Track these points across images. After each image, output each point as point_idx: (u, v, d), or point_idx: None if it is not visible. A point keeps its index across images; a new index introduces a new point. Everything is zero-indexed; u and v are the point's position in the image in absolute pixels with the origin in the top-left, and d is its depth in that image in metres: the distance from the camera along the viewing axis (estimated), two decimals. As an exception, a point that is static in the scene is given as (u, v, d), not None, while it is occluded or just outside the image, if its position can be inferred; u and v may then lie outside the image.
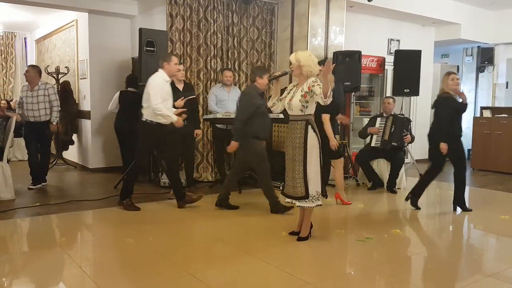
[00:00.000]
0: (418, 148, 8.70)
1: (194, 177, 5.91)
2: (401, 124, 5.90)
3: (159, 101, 4.51)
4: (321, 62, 4.58)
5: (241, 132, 4.56)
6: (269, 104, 3.86)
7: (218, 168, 6.34)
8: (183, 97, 5.16)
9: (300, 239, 3.75)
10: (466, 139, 9.44)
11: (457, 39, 8.69)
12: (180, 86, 5.29)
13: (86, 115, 7.25)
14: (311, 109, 3.64)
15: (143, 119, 4.71)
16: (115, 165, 7.09)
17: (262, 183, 4.74)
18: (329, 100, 3.50)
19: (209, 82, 6.29)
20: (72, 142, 7.57)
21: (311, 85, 3.55)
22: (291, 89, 3.76)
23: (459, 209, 5.01)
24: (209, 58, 6.28)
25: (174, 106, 5.16)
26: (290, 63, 3.72)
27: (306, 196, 3.64)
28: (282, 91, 3.92)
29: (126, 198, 4.78)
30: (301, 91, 3.60)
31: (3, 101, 8.89)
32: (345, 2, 6.65)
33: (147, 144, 4.80)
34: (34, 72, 5.74)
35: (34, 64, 6.07)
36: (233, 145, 4.65)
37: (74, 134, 7.56)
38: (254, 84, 4.67)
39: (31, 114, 5.68)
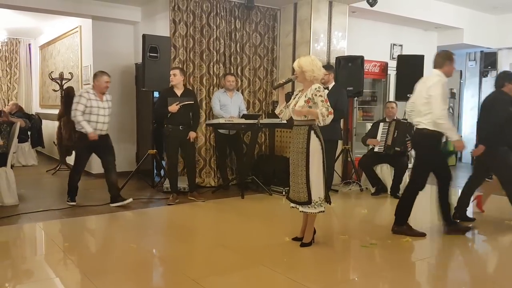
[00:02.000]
0: (422, 153, 8.67)
1: (196, 183, 5.91)
2: (404, 129, 5.88)
3: (444, 107, 3.94)
4: (325, 67, 4.59)
5: (495, 138, 4.34)
6: (277, 111, 3.88)
7: (221, 173, 6.34)
8: (178, 102, 5.15)
9: (303, 245, 3.74)
10: (470, 144, 9.45)
11: (460, 44, 8.68)
12: (179, 92, 5.28)
13: (90, 120, 7.26)
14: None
15: (420, 127, 4.04)
16: (118, 170, 7.06)
17: (509, 192, 4.49)
18: (328, 120, 3.51)
19: (211, 88, 6.30)
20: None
21: (313, 94, 3.56)
22: (296, 94, 3.77)
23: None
24: (211, 63, 6.29)
25: (168, 111, 5.18)
26: (293, 70, 3.74)
27: (308, 202, 3.63)
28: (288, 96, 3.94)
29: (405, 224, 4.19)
30: (305, 96, 3.61)
31: (7, 107, 8.93)
32: (347, 8, 6.67)
33: (432, 158, 4.10)
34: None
35: (103, 70, 5.24)
36: (480, 149, 4.41)
37: (77, 140, 7.57)
38: (501, 90, 4.46)
39: (100, 127, 5.06)
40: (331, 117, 3.52)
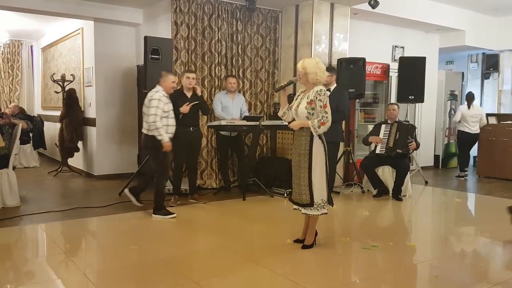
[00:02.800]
0: (424, 155, 8.66)
1: (198, 184, 5.91)
2: (406, 131, 5.88)
3: None
4: (327, 69, 4.58)
5: None
6: (280, 114, 3.87)
7: (222, 175, 6.34)
8: (188, 103, 5.18)
9: (304, 247, 3.73)
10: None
11: (462, 46, 8.68)
12: (189, 94, 5.32)
13: (92, 122, 7.29)
14: (317, 116, 3.63)
15: None
16: (120, 172, 7.11)
17: None
18: (320, 131, 3.52)
19: (213, 89, 6.31)
20: (77, 149, 7.60)
21: (315, 96, 3.55)
22: (298, 95, 3.77)
23: (463, 217, 4.95)
24: (213, 65, 6.30)
25: (179, 112, 5.18)
26: (295, 72, 3.74)
27: (311, 204, 3.63)
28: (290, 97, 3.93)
29: None
30: (307, 98, 3.60)
31: (8, 109, 8.94)
32: (349, 9, 6.67)
33: None
34: None
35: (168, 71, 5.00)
36: None
37: (79, 141, 7.59)
38: None
39: (175, 130, 4.87)
40: (323, 128, 3.53)
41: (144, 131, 4.77)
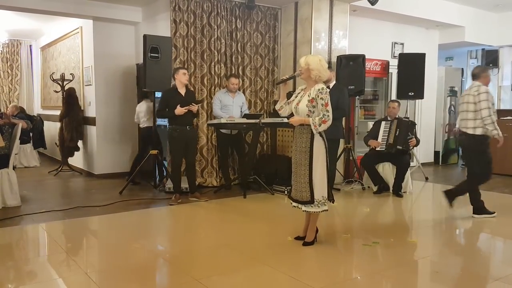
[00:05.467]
0: (424, 151, 8.66)
1: (199, 183, 5.91)
2: (406, 128, 5.88)
3: None
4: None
5: None
6: (277, 107, 3.86)
7: (223, 173, 6.34)
8: (185, 107, 5.15)
9: (305, 244, 3.74)
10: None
11: (461, 42, 8.68)
12: (182, 92, 5.29)
13: (91, 121, 7.28)
14: (318, 114, 3.62)
15: None
16: (120, 171, 7.11)
17: None
18: (320, 129, 3.53)
19: (213, 87, 6.30)
20: (77, 149, 7.60)
21: (317, 95, 3.55)
22: (298, 93, 3.75)
23: (464, 213, 4.96)
24: (213, 63, 6.29)
25: (174, 114, 5.16)
26: (295, 69, 3.73)
27: (311, 201, 3.63)
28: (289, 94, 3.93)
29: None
30: (308, 96, 3.60)
31: (8, 109, 8.93)
32: (348, 6, 6.66)
33: None
34: None
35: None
36: None
37: (79, 140, 7.59)
38: None
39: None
40: (323, 126, 3.53)
41: (469, 130, 4.48)
